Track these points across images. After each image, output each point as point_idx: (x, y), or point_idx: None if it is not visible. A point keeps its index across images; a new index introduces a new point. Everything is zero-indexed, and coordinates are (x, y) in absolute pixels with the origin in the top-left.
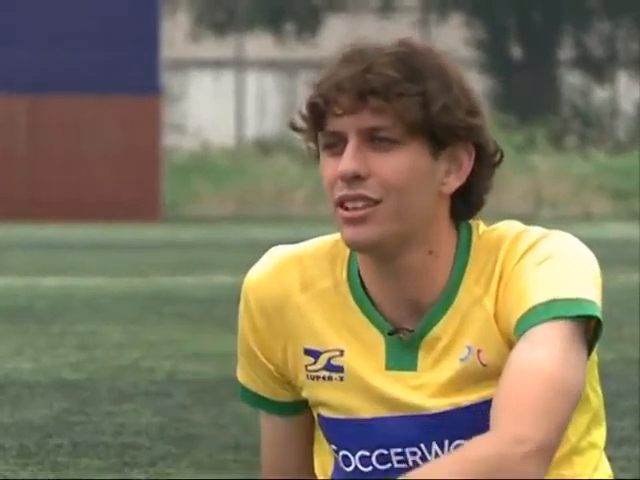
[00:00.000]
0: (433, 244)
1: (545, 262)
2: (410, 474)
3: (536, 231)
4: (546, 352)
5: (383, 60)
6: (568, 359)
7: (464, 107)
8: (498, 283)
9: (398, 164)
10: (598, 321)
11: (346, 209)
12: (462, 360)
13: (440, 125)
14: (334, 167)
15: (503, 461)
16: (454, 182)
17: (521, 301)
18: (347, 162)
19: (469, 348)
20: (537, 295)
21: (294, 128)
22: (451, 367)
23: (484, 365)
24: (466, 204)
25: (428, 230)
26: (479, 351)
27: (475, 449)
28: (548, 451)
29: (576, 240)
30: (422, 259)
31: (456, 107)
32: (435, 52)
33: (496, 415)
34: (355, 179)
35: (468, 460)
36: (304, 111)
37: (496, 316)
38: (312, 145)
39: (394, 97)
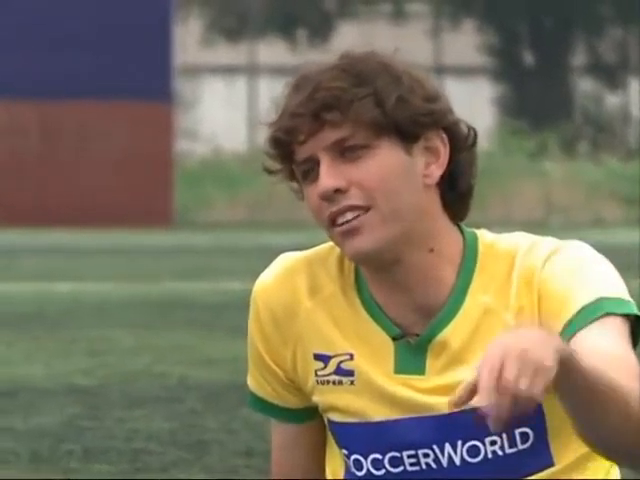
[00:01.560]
0: (432, 241)
1: (578, 268)
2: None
3: (550, 241)
4: (610, 341)
5: (327, 76)
6: (629, 350)
7: (420, 95)
8: (519, 293)
9: (373, 168)
10: (636, 323)
11: (339, 225)
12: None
13: (401, 118)
14: (316, 189)
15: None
16: (435, 172)
17: (567, 305)
18: (324, 181)
19: None
20: (583, 297)
21: (269, 172)
22: (464, 374)
23: None
24: (454, 191)
25: (424, 226)
26: None
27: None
28: None
29: (593, 249)
30: (424, 258)
31: (411, 96)
32: (377, 54)
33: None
34: (337, 194)
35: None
36: (270, 150)
37: (521, 327)
38: (294, 184)
39: (346, 105)
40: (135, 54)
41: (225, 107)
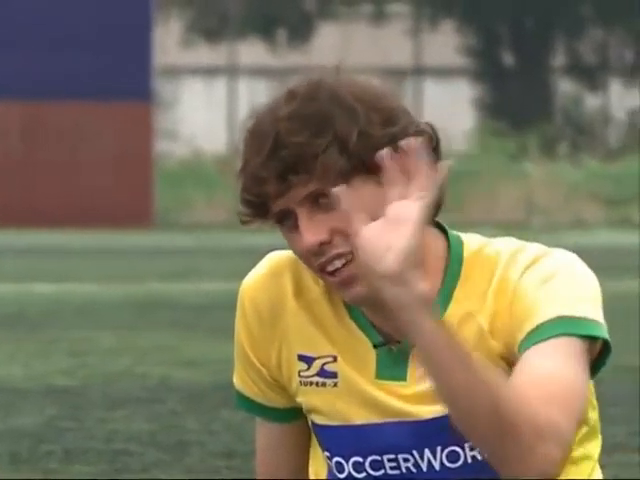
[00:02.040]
0: (419, 254)
1: (551, 280)
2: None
3: (536, 247)
4: (555, 363)
5: (284, 128)
6: (578, 374)
7: (377, 122)
8: (495, 298)
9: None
10: (604, 345)
11: (331, 274)
12: None
13: (365, 155)
14: (299, 241)
15: (523, 411)
16: None
17: (528, 318)
18: (306, 237)
19: None
20: (544, 312)
21: (245, 223)
22: None
23: None
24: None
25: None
26: None
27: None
28: (567, 445)
29: (577, 259)
30: None
31: (370, 127)
32: (325, 84)
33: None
34: (322, 247)
35: (498, 381)
36: (243, 209)
37: (493, 332)
38: (275, 225)
39: (311, 162)
40: (115, 55)
41: (205, 108)
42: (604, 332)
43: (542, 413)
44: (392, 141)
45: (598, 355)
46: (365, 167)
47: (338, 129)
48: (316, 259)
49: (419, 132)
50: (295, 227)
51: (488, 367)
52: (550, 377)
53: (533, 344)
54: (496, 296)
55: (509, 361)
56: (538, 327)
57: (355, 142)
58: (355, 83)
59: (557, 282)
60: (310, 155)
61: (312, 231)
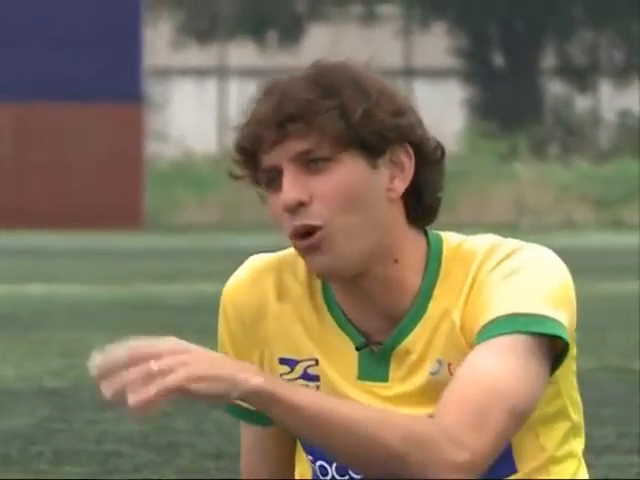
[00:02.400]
0: (397, 252)
1: (513, 275)
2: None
3: (511, 244)
4: (498, 362)
5: (295, 85)
6: (520, 374)
7: (387, 109)
8: (467, 295)
9: (336, 181)
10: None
11: (300, 238)
12: (433, 374)
13: (366, 132)
14: (279, 199)
15: (429, 441)
16: (399, 185)
17: (484, 312)
18: (287, 192)
19: (439, 362)
20: (500, 307)
21: (234, 177)
22: (421, 380)
23: None
24: (419, 205)
25: (388, 239)
26: (450, 364)
27: (408, 417)
28: (479, 464)
29: (552, 255)
30: (389, 269)
31: (378, 111)
32: (348, 65)
33: (439, 412)
34: (299, 207)
35: (395, 418)
36: (236, 156)
37: (462, 328)
38: (259, 189)
39: (312, 117)
40: (106, 57)
41: (195, 109)
42: (560, 330)
43: (452, 419)
44: (397, 131)
45: (560, 353)
46: (362, 145)
47: (345, 99)
48: (290, 220)
49: (423, 137)
50: (279, 187)
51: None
52: (478, 378)
53: (484, 340)
54: (468, 291)
55: None
56: (491, 322)
57: (359, 117)
58: (375, 74)
59: (520, 277)
60: (312, 111)
61: (294, 189)
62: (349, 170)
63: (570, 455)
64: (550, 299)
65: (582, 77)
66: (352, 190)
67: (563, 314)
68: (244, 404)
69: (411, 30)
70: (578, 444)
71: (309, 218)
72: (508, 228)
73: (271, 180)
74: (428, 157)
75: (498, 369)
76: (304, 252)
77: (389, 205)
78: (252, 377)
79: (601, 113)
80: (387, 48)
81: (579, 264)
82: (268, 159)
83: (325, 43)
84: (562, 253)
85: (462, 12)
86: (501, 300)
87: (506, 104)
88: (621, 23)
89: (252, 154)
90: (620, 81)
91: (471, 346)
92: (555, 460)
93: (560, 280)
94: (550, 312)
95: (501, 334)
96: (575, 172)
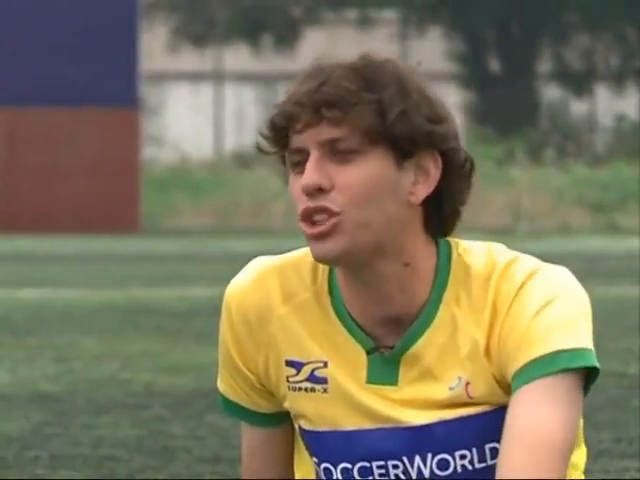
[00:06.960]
0: (408, 256)
1: (546, 308)
2: None
3: (529, 262)
4: (551, 411)
5: (339, 73)
6: (571, 416)
7: (424, 114)
8: (492, 317)
9: (359, 174)
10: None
11: (311, 224)
12: (451, 389)
13: (399, 132)
14: (300, 180)
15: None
16: (422, 191)
17: (523, 350)
18: (309, 175)
19: (460, 379)
20: (540, 346)
21: (260, 150)
22: (438, 392)
23: (471, 397)
24: (439, 215)
25: (401, 241)
26: (467, 384)
27: None
28: None
29: (570, 276)
30: (398, 271)
31: (415, 114)
32: (394, 63)
33: (503, 471)
34: (318, 192)
35: None
36: (266, 131)
37: (488, 352)
38: (282, 166)
39: (349, 107)
40: (101, 61)
41: (191, 113)
42: (595, 359)
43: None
44: (429, 137)
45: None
46: (391, 144)
47: (385, 96)
48: (306, 201)
49: (455, 148)
50: (302, 170)
51: None
52: (538, 432)
53: (525, 382)
54: (492, 311)
55: (502, 384)
56: (534, 361)
57: (395, 116)
58: (420, 77)
59: (553, 310)
60: (350, 101)
61: (317, 174)
62: (374, 166)
63: (572, 466)
64: (583, 328)
65: (578, 82)
66: (374, 186)
67: (590, 336)
68: (248, 406)
69: (407, 34)
70: (580, 454)
71: (328, 203)
72: (504, 233)
73: (297, 162)
74: (455, 169)
75: (553, 420)
76: (312, 239)
77: (408, 208)
78: None
79: (597, 118)
80: (383, 52)
81: (575, 268)
82: (298, 140)
83: (321, 47)
84: (558, 257)
85: (458, 17)
86: (540, 338)
87: (502, 109)
88: (617, 28)
89: (283, 132)
90: (616, 86)
91: (498, 373)
92: None
93: (585, 304)
94: (585, 342)
95: (547, 374)
96: (571, 176)
